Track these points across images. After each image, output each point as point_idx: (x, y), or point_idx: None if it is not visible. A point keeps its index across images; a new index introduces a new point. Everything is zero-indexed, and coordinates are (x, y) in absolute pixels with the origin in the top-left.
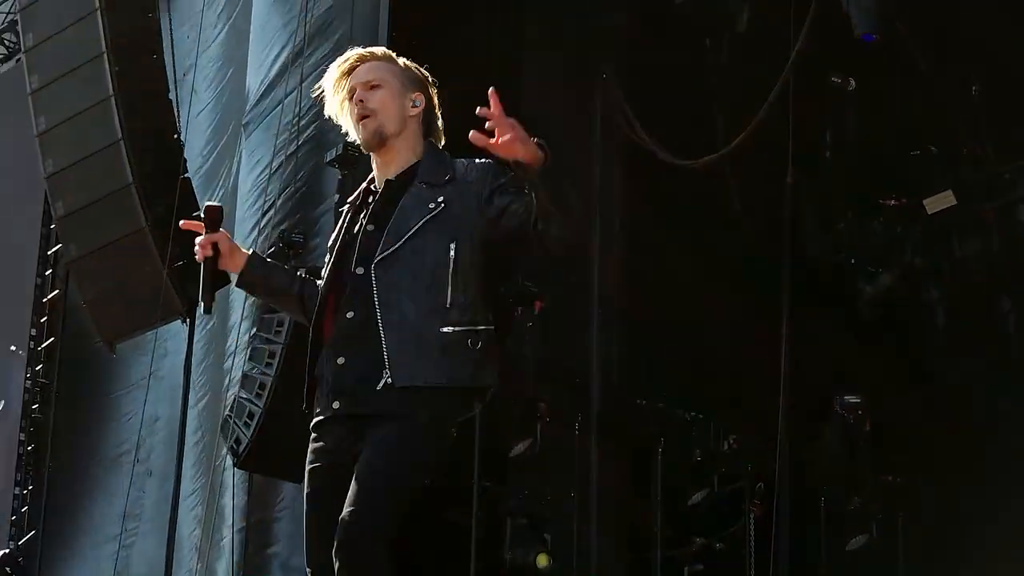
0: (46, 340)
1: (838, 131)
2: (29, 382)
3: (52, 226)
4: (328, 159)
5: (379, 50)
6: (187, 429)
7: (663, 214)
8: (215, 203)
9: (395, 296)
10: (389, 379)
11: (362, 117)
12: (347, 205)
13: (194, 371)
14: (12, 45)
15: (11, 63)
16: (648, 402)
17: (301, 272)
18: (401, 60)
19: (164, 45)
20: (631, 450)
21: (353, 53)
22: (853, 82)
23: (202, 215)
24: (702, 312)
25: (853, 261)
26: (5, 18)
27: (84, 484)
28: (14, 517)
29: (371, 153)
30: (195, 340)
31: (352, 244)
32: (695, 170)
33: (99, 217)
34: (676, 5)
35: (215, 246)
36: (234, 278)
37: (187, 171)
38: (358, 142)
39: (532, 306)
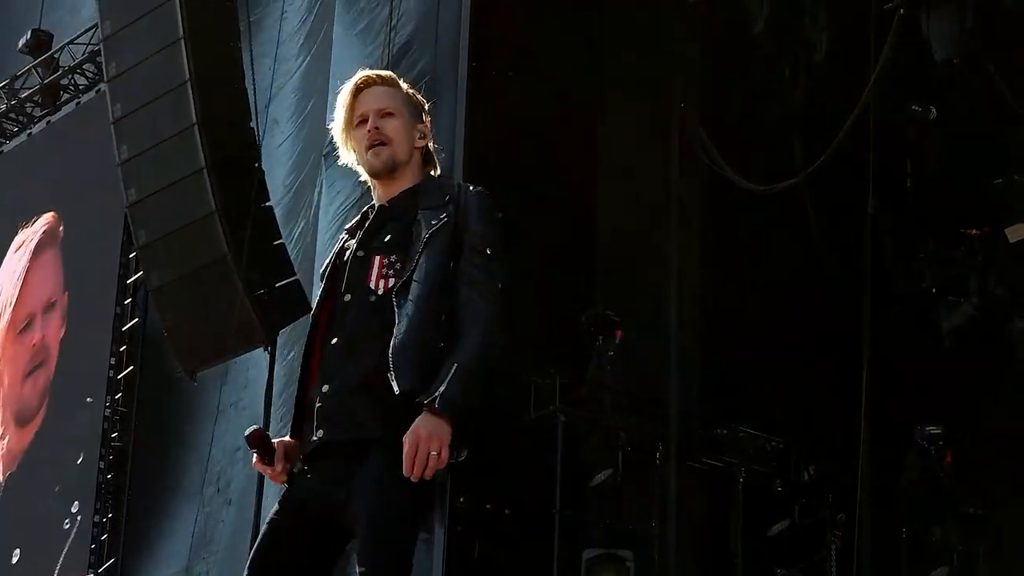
0: (125, 369)
1: (918, 159)
2: (108, 410)
3: (132, 255)
4: None
5: (386, 74)
6: None
7: (742, 243)
8: (251, 430)
9: (403, 317)
10: (395, 386)
11: (375, 144)
12: (344, 232)
13: (274, 401)
14: (93, 76)
15: (91, 93)
16: (728, 431)
17: None
18: (404, 86)
19: (246, 76)
20: (711, 480)
21: (361, 75)
22: (934, 110)
23: (249, 445)
24: (782, 341)
25: (934, 291)
26: (86, 49)
27: (164, 513)
28: (94, 545)
29: (374, 179)
30: (276, 369)
31: (342, 270)
32: (773, 198)
33: (181, 245)
34: (754, 34)
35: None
36: None
37: (269, 200)
38: (359, 167)
39: (613, 335)
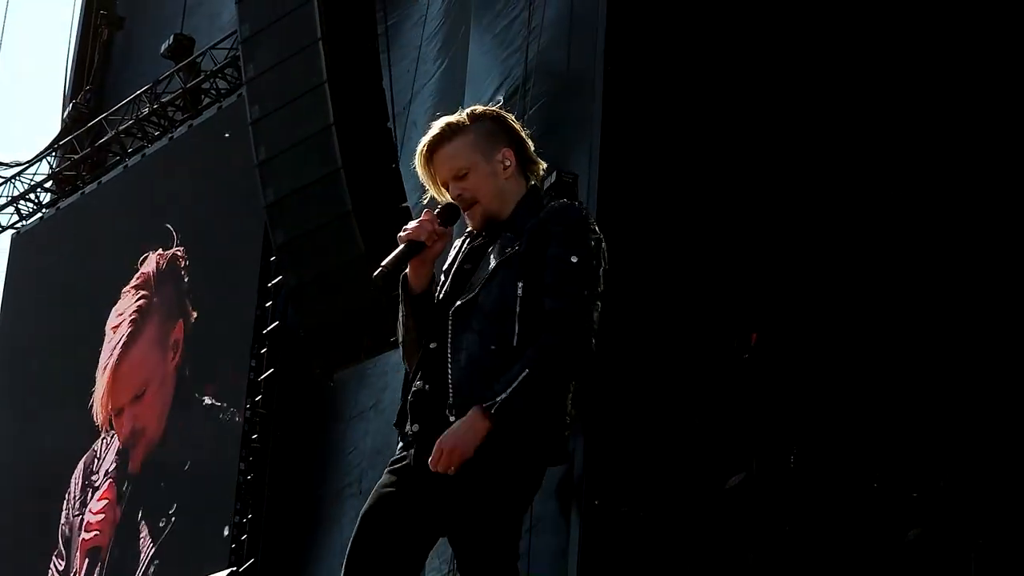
0: (266, 371)
1: None
2: (249, 412)
3: (272, 257)
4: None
5: (448, 123)
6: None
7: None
8: (455, 204)
9: (465, 336)
10: (452, 411)
11: (466, 208)
12: (465, 232)
13: None
14: (234, 80)
15: (232, 97)
16: (867, 436)
17: None
18: (469, 114)
19: (384, 78)
20: (846, 485)
21: (424, 142)
22: None
23: (440, 207)
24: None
25: None
26: (228, 54)
27: (306, 515)
28: (233, 545)
29: None
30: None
31: (447, 277)
32: None
33: (317, 246)
34: None
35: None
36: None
37: (406, 201)
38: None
39: (748, 338)
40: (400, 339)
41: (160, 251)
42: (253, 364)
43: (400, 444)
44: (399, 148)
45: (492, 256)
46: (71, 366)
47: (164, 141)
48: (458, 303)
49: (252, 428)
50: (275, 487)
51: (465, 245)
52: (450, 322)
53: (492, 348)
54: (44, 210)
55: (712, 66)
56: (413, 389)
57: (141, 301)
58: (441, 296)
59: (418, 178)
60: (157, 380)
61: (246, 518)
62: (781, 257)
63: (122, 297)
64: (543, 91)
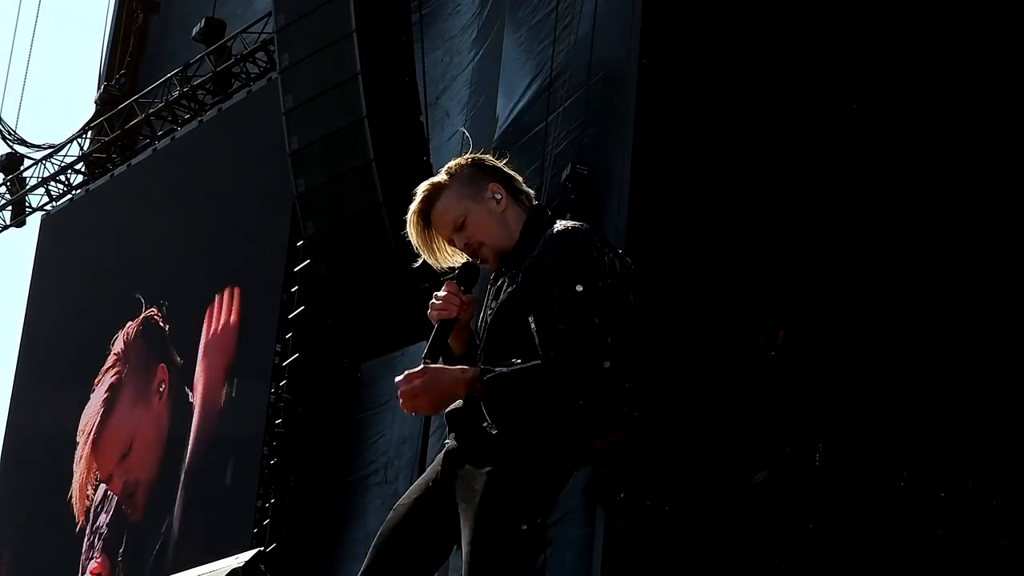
0: (291, 356)
1: None
2: (273, 397)
3: (299, 243)
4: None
5: (430, 183)
6: (429, 453)
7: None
8: (473, 261)
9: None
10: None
11: (476, 253)
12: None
13: None
14: (265, 64)
15: (262, 81)
16: (894, 435)
17: None
18: (446, 170)
19: (417, 70)
20: (872, 483)
21: (413, 209)
22: None
23: (457, 269)
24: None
25: None
26: (258, 38)
27: (331, 502)
28: (256, 530)
29: None
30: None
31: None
32: None
33: (348, 237)
34: None
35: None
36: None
37: None
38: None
39: (775, 335)
40: None
41: (130, 323)
42: (278, 349)
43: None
44: (430, 140)
45: (499, 296)
46: (97, 347)
47: (194, 124)
48: (481, 346)
49: (276, 413)
50: (300, 472)
51: (488, 292)
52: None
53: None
54: (74, 191)
55: (746, 61)
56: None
57: (113, 378)
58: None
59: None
60: (145, 428)
61: (269, 502)
62: (810, 254)
63: (94, 390)
64: (577, 84)
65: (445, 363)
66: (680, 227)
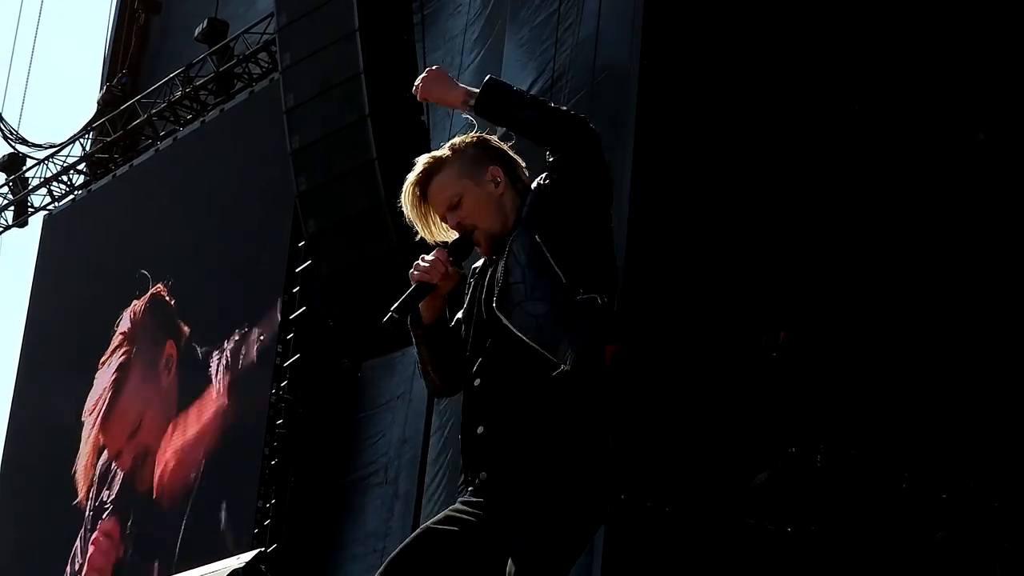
0: (292, 357)
1: None
2: (274, 397)
3: (300, 244)
4: None
5: (432, 156)
6: (430, 453)
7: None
8: (465, 238)
9: (505, 374)
10: (566, 362)
11: (467, 234)
12: (476, 272)
13: None
14: (267, 65)
15: (264, 82)
16: (895, 437)
17: None
18: (451, 146)
19: (419, 69)
20: (873, 485)
21: (411, 180)
22: None
23: (449, 243)
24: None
25: None
26: (260, 38)
27: (331, 503)
28: (256, 530)
29: None
30: None
31: (471, 322)
32: None
33: (349, 236)
34: None
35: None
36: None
37: None
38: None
39: (776, 336)
40: (421, 375)
41: (135, 301)
42: (279, 349)
43: (463, 483)
44: (431, 140)
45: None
46: (99, 347)
47: (196, 125)
48: (489, 342)
49: (277, 414)
50: (300, 473)
51: (474, 286)
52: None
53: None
54: (76, 192)
55: (747, 63)
56: (474, 433)
57: (122, 358)
58: (471, 337)
59: None
60: (155, 403)
61: (269, 503)
62: (811, 255)
63: (99, 369)
64: (579, 85)
65: (413, 326)
66: (681, 228)
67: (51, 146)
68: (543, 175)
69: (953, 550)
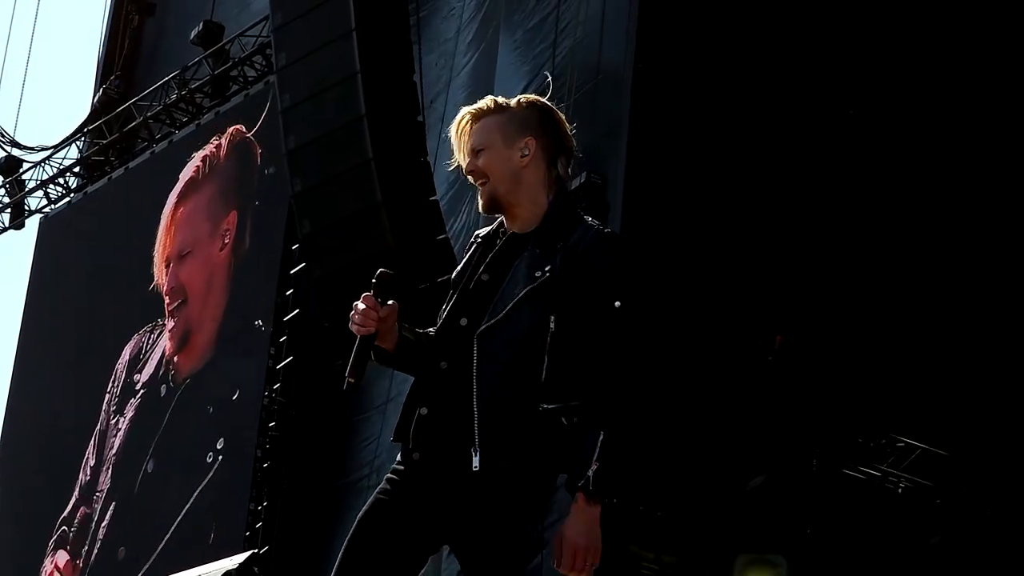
0: (285, 359)
1: None
2: (267, 399)
3: (294, 246)
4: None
5: (485, 103)
6: None
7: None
8: (388, 271)
9: (491, 368)
10: (476, 462)
11: (478, 184)
12: (479, 240)
13: None
14: (262, 68)
15: (259, 85)
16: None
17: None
18: (518, 100)
19: (415, 70)
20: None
21: (466, 109)
22: None
23: (374, 280)
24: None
25: None
26: (256, 41)
27: (323, 505)
28: (248, 533)
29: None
30: None
31: (466, 291)
32: None
33: (345, 237)
34: None
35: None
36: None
37: (435, 194)
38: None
39: (772, 340)
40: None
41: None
42: (272, 352)
43: (400, 460)
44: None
45: (519, 275)
46: (95, 349)
47: (191, 127)
48: (483, 327)
49: (270, 416)
50: (293, 475)
51: (480, 252)
52: (475, 347)
53: (516, 382)
54: (72, 195)
55: (742, 67)
56: (416, 413)
57: (208, 151)
58: (453, 308)
59: (442, 173)
60: (201, 250)
61: (261, 505)
62: (806, 260)
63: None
64: (573, 88)
65: (380, 361)
66: (675, 232)
67: (42, 148)
68: (595, 236)
69: (947, 555)
